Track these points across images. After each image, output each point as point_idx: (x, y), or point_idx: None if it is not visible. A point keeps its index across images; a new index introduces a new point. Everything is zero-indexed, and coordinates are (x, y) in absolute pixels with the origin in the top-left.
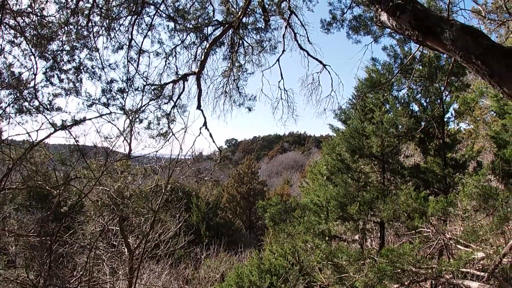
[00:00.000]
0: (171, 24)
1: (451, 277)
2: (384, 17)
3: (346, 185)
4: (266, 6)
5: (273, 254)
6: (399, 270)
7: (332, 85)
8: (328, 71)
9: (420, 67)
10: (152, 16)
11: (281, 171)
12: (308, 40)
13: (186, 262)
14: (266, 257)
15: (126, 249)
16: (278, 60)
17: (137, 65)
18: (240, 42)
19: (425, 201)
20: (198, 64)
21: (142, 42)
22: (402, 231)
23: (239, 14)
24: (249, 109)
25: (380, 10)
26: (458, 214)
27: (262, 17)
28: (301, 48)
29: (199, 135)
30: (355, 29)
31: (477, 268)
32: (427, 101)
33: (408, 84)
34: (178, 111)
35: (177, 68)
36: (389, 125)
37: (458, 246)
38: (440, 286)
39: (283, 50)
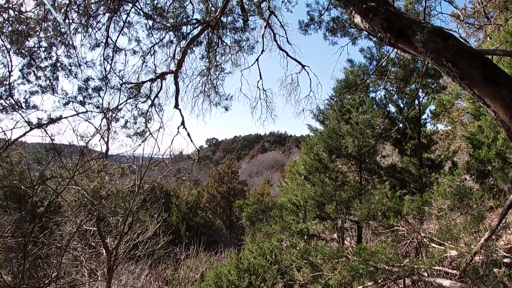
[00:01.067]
0: (149, 22)
1: (424, 275)
2: (358, 19)
3: (324, 185)
4: (245, 6)
5: (252, 254)
6: (372, 268)
7: (311, 85)
8: (307, 72)
9: (396, 69)
10: (129, 13)
11: (261, 170)
12: (287, 41)
13: (166, 262)
14: (245, 257)
15: (104, 250)
16: (257, 60)
17: (114, 63)
18: (218, 41)
19: (401, 200)
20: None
21: (116, 39)
22: (379, 229)
23: (217, 13)
24: (226, 109)
25: (354, 12)
26: (433, 213)
27: (241, 17)
28: (280, 48)
29: (177, 134)
30: (332, 30)
31: (450, 266)
32: (404, 102)
33: (383, 85)
34: (155, 110)
35: (155, 67)
36: (364, 126)
37: (433, 244)
38: (413, 284)
39: (262, 50)
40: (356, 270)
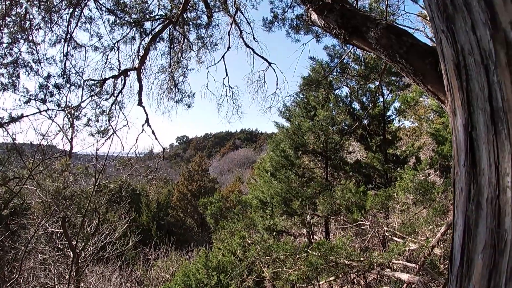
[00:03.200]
0: (111, 18)
1: (383, 269)
2: (314, 16)
3: (289, 181)
4: (210, 2)
5: (220, 251)
6: (332, 263)
7: (277, 83)
8: (274, 69)
9: (357, 67)
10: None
11: (233, 168)
12: (254, 38)
13: (137, 263)
14: (214, 255)
15: (71, 252)
16: (223, 57)
17: (75, 60)
18: (180, 38)
19: (364, 195)
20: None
21: (70, 34)
22: (345, 224)
23: (180, 9)
24: (188, 106)
25: (310, 9)
26: (396, 208)
27: (205, 13)
28: (246, 45)
29: (141, 132)
30: (296, 28)
31: (409, 260)
32: (368, 99)
33: (345, 82)
34: (120, 108)
35: (119, 63)
36: (326, 123)
37: (395, 238)
38: (374, 279)
39: (228, 47)
40: (315, 265)
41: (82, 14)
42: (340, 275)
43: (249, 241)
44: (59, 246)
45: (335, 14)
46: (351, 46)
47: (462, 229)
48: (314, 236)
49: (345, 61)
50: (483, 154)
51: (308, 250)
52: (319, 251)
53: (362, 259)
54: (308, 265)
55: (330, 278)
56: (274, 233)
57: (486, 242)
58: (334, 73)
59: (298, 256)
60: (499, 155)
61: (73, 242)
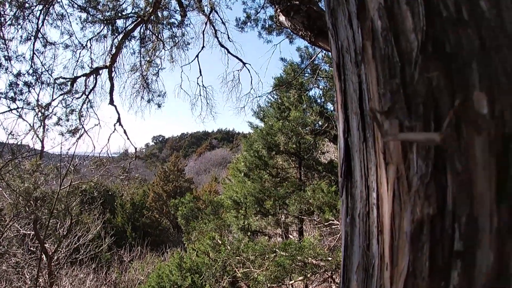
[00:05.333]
0: (83, 15)
1: None
2: (282, 17)
3: (262, 181)
4: (183, 1)
5: (194, 252)
6: (300, 263)
7: (251, 83)
8: (248, 70)
9: (328, 68)
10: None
11: (209, 168)
12: (229, 38)
13: (113, 265)
14: (188, 256)
15: (44, 255)
16: (197, 56)
17: (45, 58)
18: (152, 36)
19: (336, 195)
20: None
21: (39, 30)
22: (318, 224)
23: (151, 8)
24: (159, 105)
25: (278, 10)
26: None
27: (179, 12)
28: (221, 45)
29: (113, 131)
30: (269, 29)
31: None
32: None
33: (317, 84)
34: (91, 107)
35: (92, 62)
36: (296, 123)
37: None
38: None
39: (203, 47)
40: (282, 265)
41: (54, 10)
42: (309, 275)
43: (220, 242)
44: (32, 248)
45: (301, 15)
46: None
47: (343, 244)
48: (289, 236)
49: (316, 62)
50: (356, 164)
51: (277, 250)
52: (286, 252)
53: (330, 258)
54: (275, 265)
55: (299, 278)
56: (249, 233)
57: (359, 262)
58: (306, 74)
59: (266, 256)
60: (368, 166)
61: (45, 245)
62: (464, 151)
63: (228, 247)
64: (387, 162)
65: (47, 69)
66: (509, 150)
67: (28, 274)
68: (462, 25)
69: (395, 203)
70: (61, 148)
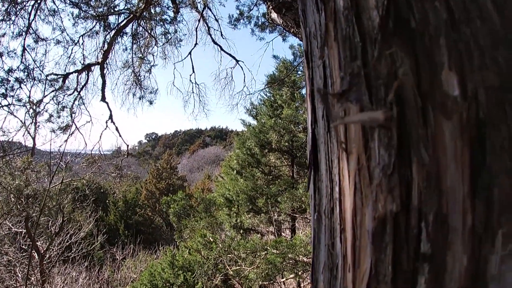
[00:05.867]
0: (75, 11)
1: None
2: (274, 14)
3: (255, 179)
4: None
5: (186, 250)
6: (291, 261)
7: (244, 80)
8: (241, 67)
9: None
10: None
11: (202, 165)
12: (222, 35)
13: (105, 263)
14: (180, 254)
15: (35, 253)
16: (190, 53)
17: (36, 54)
18: (144, 33)
19: None
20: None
21: (30, 26)
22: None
23: (144, 4)
24: (150, 102)
25: (270, 7)
26: None
27: (171, 8)
28: (214, 42)
29: (105, 128)
30: (261, 26)
31: None
32: None
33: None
34: (83, 104)
35: (84, 58)
36: (288, 121)
37: None
38: None
39: (196, 43)
40: (273, 263)
41: (46, 6)
42: (300, 273)
43: (211, 239)
44: (24, 247)
45: (293, 12)
46: None
47: (311, 242)
48: (281, 233)
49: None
50: (322, 156)
51: (268, 248)
52: (277, 249)
53: None
54: (266, 263)
55: (291, 276)
56: (241, 231)
57: (324, 262)
58: (299, 72)
59: (258, 254)
60: (331, 158)
61: (37, 243)
62: (431, 139)
63: (220, 244)
64: (348, 152)
65: (38, 66)
66: (484, 137)
67: (20, 272)
68: None
69: (357, 197)
70: (50, 145)
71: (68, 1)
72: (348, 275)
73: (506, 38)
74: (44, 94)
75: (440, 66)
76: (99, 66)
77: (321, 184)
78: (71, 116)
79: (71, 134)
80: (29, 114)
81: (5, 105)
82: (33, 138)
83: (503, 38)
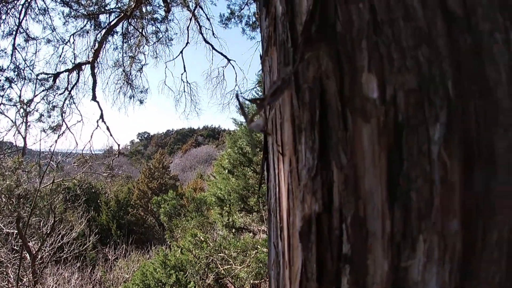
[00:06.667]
0: (66, 10)
1: None
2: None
3: (246, 178)
4: None
5: (178, 249)
6: None
7: (236, 80)
8: (233, 66)
9: None
10: None
11: (195, 165)
12: (213, 34)
13: (98, 264)
14: (172, 253)
15: (27, 254)
16: (181, 52)
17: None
18: (134, 32)
19: None
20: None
21: (21, 25)
22: None
23: (134, 2)
24: (141, 102)
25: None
26: None
27: (163, 7)
28: (206, 41)
29: (96, 128)
30: (252, 25)
31: None
32: None
33: None
34: (74, 103)
35: (75, 57)
36: None
37: None
38: None
39: (187, 42)
40: (264, 262)
41: (36, 5)
42: None
43: (202, 239)
44: (16, 247)
45: None
46: None
47: (268, 239)
48: None
49: None
50: (271, 158)
51: (258, 246)
52: (267, 248)
53: None
54: (257, 262)
55: None
56: (234, 230)
57: (273, 258)
58: None
59: (248, 253)
60: (274, 159)
61: (29, 243)
62: (350, 143)
63: (211, 244)
64: (283, 154)
65: (28, 65)
66: (401, 141)
67: (12, 273)
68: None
69: (290, 198)
70: (40, 145)
71: (59, 0)
72: (286, 272)
73: (430, 36)
74: (34, 93)
75: (361, 69)
76: (89, 65)
77: (270, 184)
78: (62, 116)
79: (62, 133)
80: (19, 113)
81: None
82: (24, 138)
83: (427, 36)
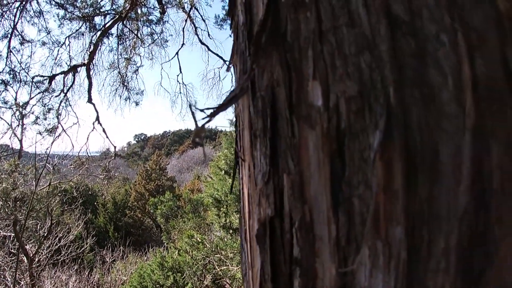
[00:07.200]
0: (61, 12)
1: None
2: None
3: None
4: None
5: (176, 251)
6: None
7: (232, 80)
8: (229, 67)
9: None
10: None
11: (192, 166)
12: (209, 35)
13: (95, 266)
14: (169, 255)
15: (24, 257)
16: (177, 53)
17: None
18: (129, 34)
19: None
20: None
21: (12, 27)
22: None
23: (130, 4)
24: (136, 103)
25: None
26: None
27: (157, 9)
28: (201, 42)
29: (92, 130)
30: None
31: None
32: None
33: None
34: (70, 105)
35: (70, 59)
36: None
37: None
38: None
39: (183, 44)
40: None
41: (31, 7)
42: None
43: (199, 240)
44: (13, 251)
45: None
46: None
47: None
48: None
49: None
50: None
51: None
52: None
53: None
54: None
55: None
56: (231, 231)
57: (243, 259)
58: None
59: None
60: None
61: (26, 246)
62: (297, 149)
63: (208, 245)
64: (244, 159)
65: (24, 67)
66: (343, 148)
67: (10, 277)
68: (302, 7)
69: (249, 201)
70: (35, 148)
71: (54, 2)
72: (250, 272)
73: (374, 42)
74: (30, 96)
75: (307, 77)
76: (85, 67)
77: (240, 188)
78: (58, 118)
79: (58, 136)
80: (15, 116)
81: None
82: (20, 141)
83: (370, 42)
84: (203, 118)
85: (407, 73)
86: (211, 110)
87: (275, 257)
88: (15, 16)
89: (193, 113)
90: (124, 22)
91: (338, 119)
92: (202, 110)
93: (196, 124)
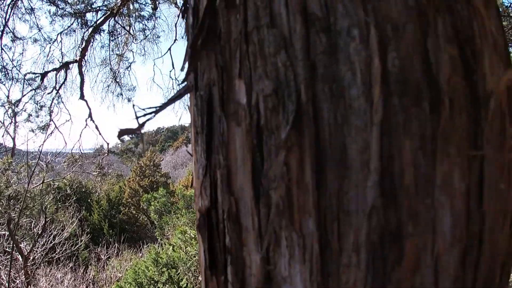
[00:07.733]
0: (52, 8)
1: None
2: None
3: None
4: None
5: (170, 247)
6: None
7: None
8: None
9: None
10: None
11: (186, 162)
12: None
13: (90, 263)
14: (164, 251)
15: (19, 255)
16: (169, 49)
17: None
18: (121, 30)
19: None
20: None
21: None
22: None
23: (121, 0)
24: (128, 100)
25: None
26: None
27: (150, 5)
28: None
29: (85, 127)
30: None
31: None
32: None
33: None
34: (62, 102)
35: (62, 56)
36: None
37: None
38: None
39: (175, 39)
40: None
41: (22, 4)
42: None
43: (192, 235)
44: (7, 249)
45: None
46: None
47: None
48: None
49: None
50: None
51: None
52: None
53: None
54: None
55: None
56: None
57: None
58: None
59: None
60: None
61: (21, 245)
62: (225, 144)
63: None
64: (192, 154)
65: (16, 65)
66: (261, 144)
67: (5, 275)
68: (233, 9)
69: (195, 194)
70: (27, 145)
71: None
72: (200, 260)
73: (290, 41)
74: (22, 93)
75: (235, 77)
76: (77, 64)
77: None
78: (50, 115)
79: (51, 133)
80: (8, 114)
81: None
82: (13, 139)
83: (287, 41)
84: (144, 115)
85: (319, 70)
86: (154, 109)
87: (213, 246)
88: (6, 13)
89: (135, 112)
90: (116, 18)
91: (258, 116)
92: (143, 109)
93: (138, 122)
